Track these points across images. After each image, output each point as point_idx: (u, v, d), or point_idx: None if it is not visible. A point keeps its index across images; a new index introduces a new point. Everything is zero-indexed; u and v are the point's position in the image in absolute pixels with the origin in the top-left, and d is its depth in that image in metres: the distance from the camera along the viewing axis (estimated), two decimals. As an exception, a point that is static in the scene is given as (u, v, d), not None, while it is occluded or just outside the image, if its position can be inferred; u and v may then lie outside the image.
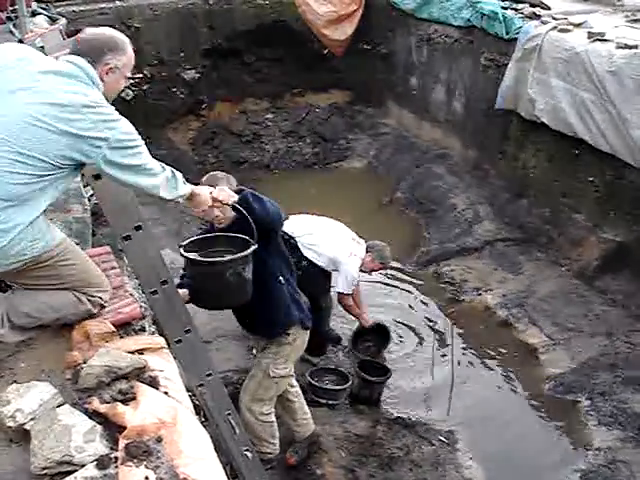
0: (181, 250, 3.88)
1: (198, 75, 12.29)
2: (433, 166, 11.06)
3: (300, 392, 5.78)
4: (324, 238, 6.69)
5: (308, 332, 5.38)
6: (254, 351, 6.31)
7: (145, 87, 11.90)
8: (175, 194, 3.43)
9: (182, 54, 12.10)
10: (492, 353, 7.60)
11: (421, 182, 10.92)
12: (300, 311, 5.23)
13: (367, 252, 6.81)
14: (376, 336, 7.41)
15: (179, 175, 3.46)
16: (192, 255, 3.93)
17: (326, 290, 7.02)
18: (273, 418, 5.47)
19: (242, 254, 3.85)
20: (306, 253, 6.58)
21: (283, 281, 5.02)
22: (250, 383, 5.36)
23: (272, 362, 5.23)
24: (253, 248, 3.94)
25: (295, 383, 5.71)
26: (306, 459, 5.90)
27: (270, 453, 5.53)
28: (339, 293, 6.82)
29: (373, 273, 7.27)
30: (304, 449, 5.90)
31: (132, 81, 11.71)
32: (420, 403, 6.90)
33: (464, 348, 7.64)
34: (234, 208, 4.16)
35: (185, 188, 3.52)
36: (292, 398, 5.70)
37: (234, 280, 3.82)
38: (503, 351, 7.61)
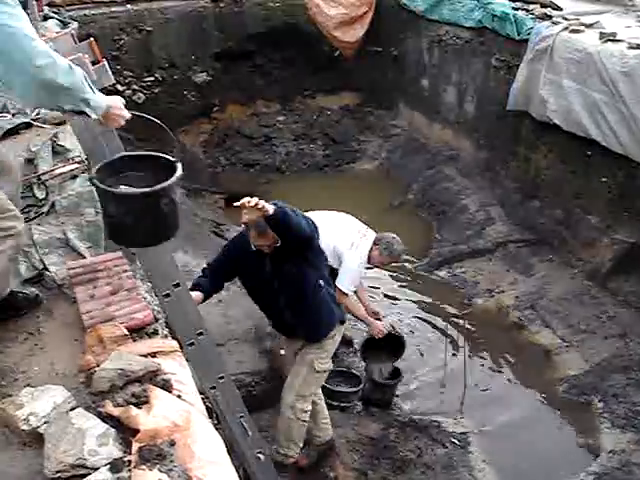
0: (97, 183, 3.18)
1: (209, 78, 12.33)
2: (444, 168, 11.05)
3: (322, 395, 5.81)
4: (324, 230, 6.60)
5: (344, 325, 5.52)
6: (282, 351, 6.28)
7: (156, 90, 11.94)
8: (82, 92, 2.87)
9: (193, 57, 12.13)
10: (505, 355, 7.58)
11: (432, 184, 10.92)
12: (338, 308, 5.40)
13: (375, 244, 6.46)
14: (389, 346, 6.91)
15: (80, 72, 2.91)
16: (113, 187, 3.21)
17: None
18: (308, 418, 5.57)
19: (177, 176, 3.25)
20: None
21: (323, 283, 5.13)
22: (294, 380, 5.45)
23: (316, 357, 5.35)
24: (180, 168, 3.28)
25: None
26: (316, 463, 5.91)
27: (293, 457, 5.61)
28: (337, 288, 6.34)
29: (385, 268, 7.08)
30: (315, 452, 5.91)
31: (143, 84, 11.77)
32: (432, 405, 6.89)
33: (476, 350, 7.62)
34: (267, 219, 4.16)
35: (96, 97, 2.96)
36: (317, 400, 5.74)
37: (169, 209, 3.27)
38: (516, 353, 7.60)
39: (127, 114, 3.17)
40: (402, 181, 11.49)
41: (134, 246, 3.63)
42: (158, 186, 3.11)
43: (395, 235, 6.59)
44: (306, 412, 5.48)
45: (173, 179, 3.18)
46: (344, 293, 6.36)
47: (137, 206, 3.16)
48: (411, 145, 12.20)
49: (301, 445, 5.62)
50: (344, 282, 6.34)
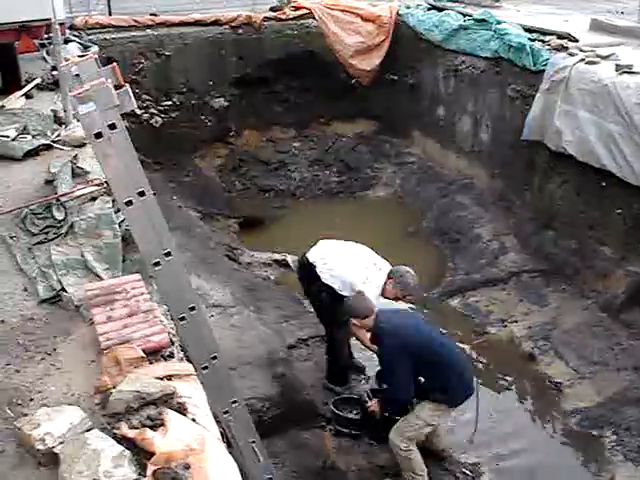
0: None
1: (226, 103, 12.44)
2: (458, 196, 11.06)
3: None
4: (339, 262, 6.60)
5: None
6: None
7: (174, 115, 12.06)
8: None
9: (211, 82, 12.26)
10: (517, 385, 7.55)
11: (446, 212, 10.92)
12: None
13: (389, 278, 6.43)
14: None
15: None
16: None
17: (341, 323, 6.78)
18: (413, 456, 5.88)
19: None
20: (324, 278, 6.56)
21: None
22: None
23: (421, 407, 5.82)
24: None
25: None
26: None
27: None
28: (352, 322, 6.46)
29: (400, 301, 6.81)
30: None
31: (161, 108, 11.88)
32: (444, 435, 6.84)
33: (489, 380, 7.58)
34: None
35: None
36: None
37: None
38: (528, 384, 7.56)
39: None
40: (416, 209, 11.50)
41: None
42: None
43: (410, 269, 6.52)
44: (407, 450, 5.82)
45: None
46: (356, 324, 6.38)
47: None
48: (425, 173, 12.23)
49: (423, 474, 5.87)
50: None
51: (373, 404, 6.11)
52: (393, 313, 6.09)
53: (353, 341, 7.27)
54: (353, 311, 6.10)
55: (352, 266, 6.54)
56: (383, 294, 6.51)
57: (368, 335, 6.63)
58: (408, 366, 5.57)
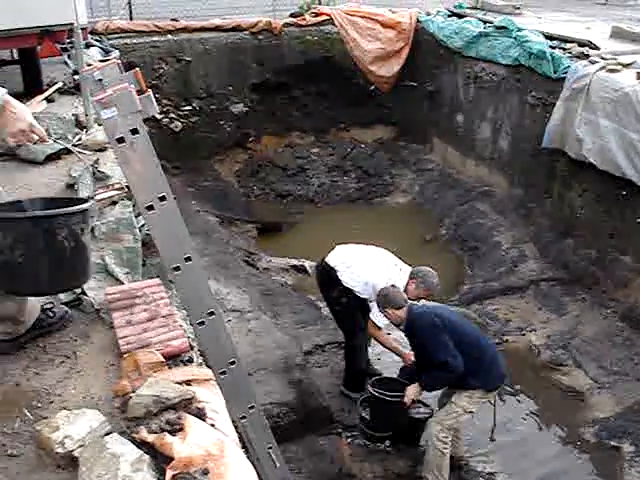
0: None
1: (246, 109, 12.47)
2: (477, 203, 11.03)
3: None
4: (361, 265, 6.63)
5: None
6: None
7: (193, 119, 12.11)
8: None
9: (231, 88, 12.30)
10: (535, 394, 7.49)
11: (465, 219, 10.89)
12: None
13: (411, 279, 6.51)
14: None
15: None
16: None
17: (361, 328, 6.86)
18: (446, 452, 5.95)
19: (80, 207, 2.91)
20: (345, 282, 6.58)
21: None
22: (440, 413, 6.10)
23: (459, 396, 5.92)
24: (89, 205, 3.04)
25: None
26: None
27: None
28: (371, 320, 6.58)
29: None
30: None
31: (181, 113, 11.93)
32: (462, 442, 6.81)
33: (507, 389, 7.53)
34: None
35: None
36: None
37: (70, 245, 2.84)
38: (546, 393, 7.50)
39: (25, 125, 2.97)
40: (435, 216, 11.49)
41: (20, 293, 3.11)
42: (52, 211, 2.78)
43: (430, 269, 6.62)
44: (442, 441, 5.88)
45: (74, 208, 2.87)
46: (377, 326, 6.53)
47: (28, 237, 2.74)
48: (444, 180, 12.21)
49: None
50: (378, 316, 6.40)
51: (411, 390, 6.07)
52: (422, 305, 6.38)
53: (370, 348, 7.30)
54: (390, 301, 6.10)
55: (374, 268, 6.58)
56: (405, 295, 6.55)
57: (390, 339, 6.77)
58: (449, 341, 5.72)
